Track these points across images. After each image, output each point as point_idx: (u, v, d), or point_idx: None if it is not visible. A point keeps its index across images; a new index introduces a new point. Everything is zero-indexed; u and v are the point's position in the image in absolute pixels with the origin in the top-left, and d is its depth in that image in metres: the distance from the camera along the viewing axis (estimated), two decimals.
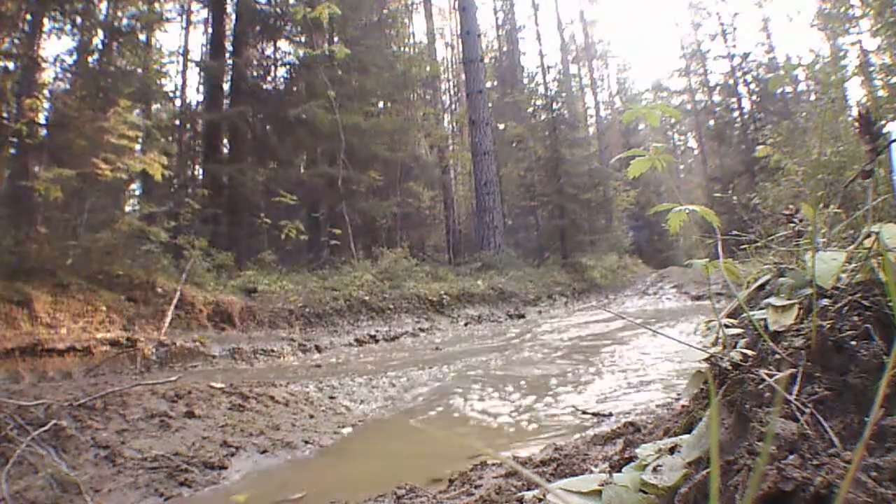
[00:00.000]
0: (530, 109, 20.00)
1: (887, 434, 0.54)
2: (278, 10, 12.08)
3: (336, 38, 12.27)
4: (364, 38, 12.61)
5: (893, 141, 0.86)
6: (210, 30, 12.78)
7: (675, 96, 26.49)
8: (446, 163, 17.21)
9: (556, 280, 13.11)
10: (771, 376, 0.70)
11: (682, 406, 1.31)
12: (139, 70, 8.12)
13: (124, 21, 8.25)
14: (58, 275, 5.21)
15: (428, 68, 15.20)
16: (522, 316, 10.09)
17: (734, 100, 21.34)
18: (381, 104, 14.12)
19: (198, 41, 15.88)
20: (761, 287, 1.03)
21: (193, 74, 14.81)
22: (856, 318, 0.68)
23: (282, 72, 13.42)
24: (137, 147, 7.00)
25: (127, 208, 8.94)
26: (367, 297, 7.68)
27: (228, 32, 12.12)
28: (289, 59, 13.11)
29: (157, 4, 9.19)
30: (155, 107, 10.00)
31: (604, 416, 2.66)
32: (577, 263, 14.73)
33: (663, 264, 19.05)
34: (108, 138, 5.98)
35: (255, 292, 7.02)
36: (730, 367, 0.79)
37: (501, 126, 17.89)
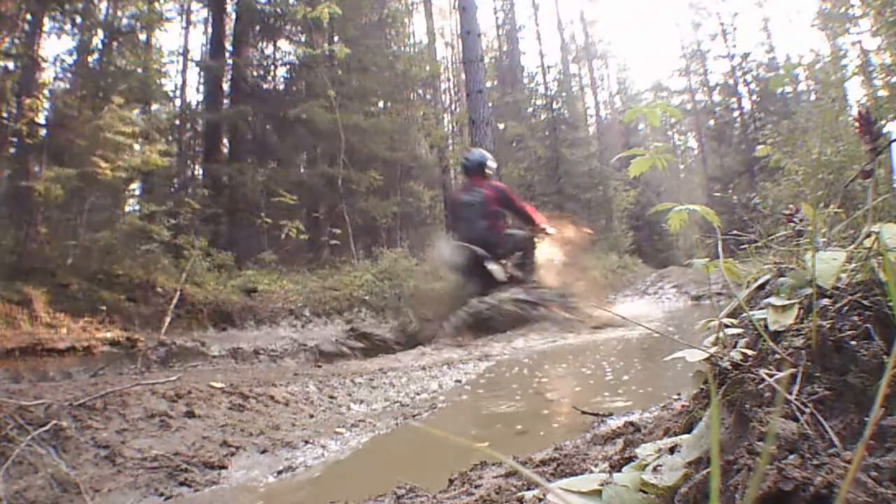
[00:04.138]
0: (530, 109, 20.04)
1: (887, 434, 0.55)
2: (278, 9, 12.09)
3: (336, 38, 12.28)
4: (364, 37, 12.62)
5: (893, 141, 0.86)
6: (210, 30, 12.79)
7: (675, 96, 26.55)
8: (446, 163, 17.22)
9: None
10: (771, 376, 0.70)
11: (682, 406, 1.31)
12: (139, 70, 8.13)
13: (124, 21, 8.27)
14: (58, 275, 5.21)
15: (428, 68, 15.20)
16: None
17: (734, 100, 21.37)
18: (381, 104, 14.13)
19: (198, 41, 15.90)
20: (761, 287, 1.03)
21: (193, 74, 14.84)
22: (856, 318, 0.68)
23: (282, 72, 13.44)
24: (137, 147, 7.01)
25: (127, 208, 8.96)
26: (367, 297, 7.69)
27: (228, 32, 12.13)
28: (289, 59, 13.13)
29: (157, 4, 9.20)
30: (155, 106, 10.01)
31: (604, 416, 2.66)
32: None
33: (663, 264, 19.05)
34: (107, 136, 5.99)
35: (255, 292, 7.03)
36: (730, 367, 0.79)
37: (501, 126, 17.90)
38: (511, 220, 6.57)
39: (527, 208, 6.54)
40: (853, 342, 0.65)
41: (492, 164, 6.74)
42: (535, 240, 6.42)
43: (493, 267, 5.90)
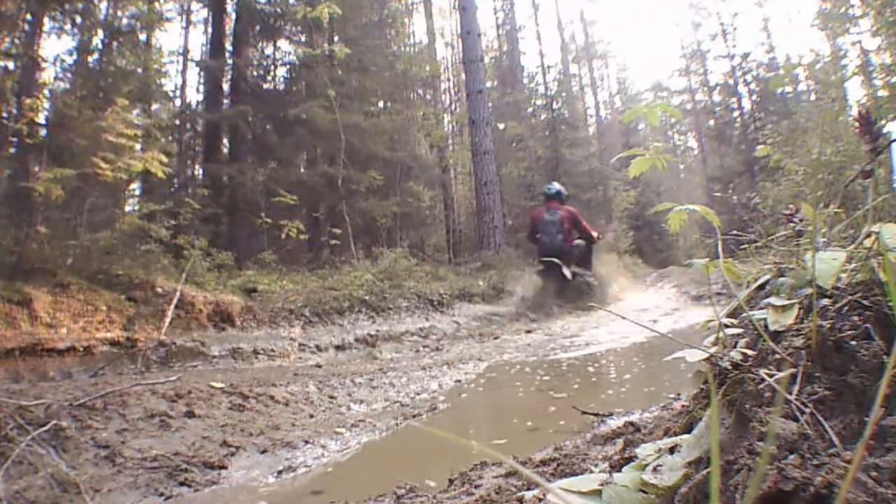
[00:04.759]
0: (530, 109, 19.99)
1: (887, 434, 0.55)
2: (278, 9, 12.08)
3: (336, 38, 12.27)
4: (364, 37, 12.60)
5: (893, 141, 0.86)
6: (210, 30, 12.78)
7: (675, 96, 26.51)
8: (446, 163, 17.19)
9: None
10: (771, 376, 0.70)
11: (682, 406, 1.31)
12: (139, 70, 8.11)
13: (124, 21, 8.25)
14: (58, 275, 5.21)
15: (428, 68, 15.19)
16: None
17: (734, 100, 21.34)
18: (381, 104, 14.12)
19: (198, 41, 15.90)
20: (761, 287, 1.03)
21: (193, 74, 14.83)
22: (856, 318, 0.68)
23: (282, 72, 13.41)
24: (138, 147, 7.00)
25: (127, 208, 8.95)
26: (367, 297, 7.68)
27: (228, 32, 12.11)
28: (289, 59, 13.12)
29: (157, 4, 9.19)
30: (155, 106, 9.99)
31: (605, 416, 2.66)
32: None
33: (663, 264, 19.01)
34: (108, 137, 5.98)
35: (255, 292, 7.01)
36: (730, 367, 0.79)
37: (501, 126, 17.86)
38: (576, 233, 9.18)
39: (587, 226, 9.27)
40: (853, 342, 0.65)
41: (563, 192, 9.50)
42: (592, 247, 9.39)
43: (565, 270, 8.54)
